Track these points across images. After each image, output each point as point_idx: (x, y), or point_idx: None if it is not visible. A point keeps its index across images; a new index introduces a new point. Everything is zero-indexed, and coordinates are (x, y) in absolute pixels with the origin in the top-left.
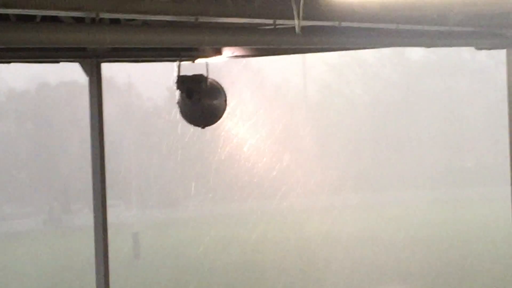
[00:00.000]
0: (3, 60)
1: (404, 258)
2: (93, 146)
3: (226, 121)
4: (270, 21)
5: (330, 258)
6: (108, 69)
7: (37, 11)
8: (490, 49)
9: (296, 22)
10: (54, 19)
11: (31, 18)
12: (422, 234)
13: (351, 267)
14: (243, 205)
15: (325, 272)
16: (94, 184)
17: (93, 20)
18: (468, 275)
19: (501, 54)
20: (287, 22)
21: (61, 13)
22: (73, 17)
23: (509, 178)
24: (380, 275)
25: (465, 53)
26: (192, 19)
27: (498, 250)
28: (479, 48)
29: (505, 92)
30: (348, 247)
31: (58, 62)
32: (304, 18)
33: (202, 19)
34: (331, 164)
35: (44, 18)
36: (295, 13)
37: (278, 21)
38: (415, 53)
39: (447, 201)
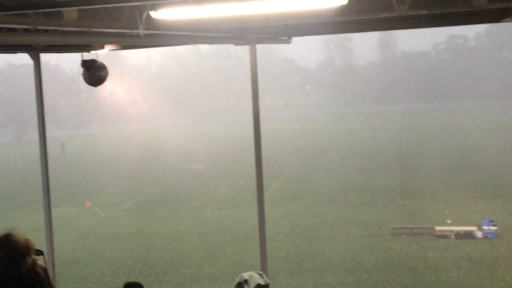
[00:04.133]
0: None
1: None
2: (37, 97)
3: (109, 85)
4: (128, 30)
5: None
6: (44, 57)
7: (4, 25)
8: (242, 45)
9: (140, 31)
10: (12, 30)
11: (1, 28)
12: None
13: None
14: (122, 126)
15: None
16: (38, 116)
17: (35, 29)
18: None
19: (246, 48)
20: (137, 31)
21: (17, 26)
22: (23, 28)
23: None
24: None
25: (230, 47)
26: (87, 29)
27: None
28: (236, 44)
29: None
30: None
31: (16, 52)
32: (145, 29)
33: (93, 29)
34: (160, 102)
35: (8, 29)
36: (140, 26)
37: (132, 30)
38: (204, 47)
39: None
